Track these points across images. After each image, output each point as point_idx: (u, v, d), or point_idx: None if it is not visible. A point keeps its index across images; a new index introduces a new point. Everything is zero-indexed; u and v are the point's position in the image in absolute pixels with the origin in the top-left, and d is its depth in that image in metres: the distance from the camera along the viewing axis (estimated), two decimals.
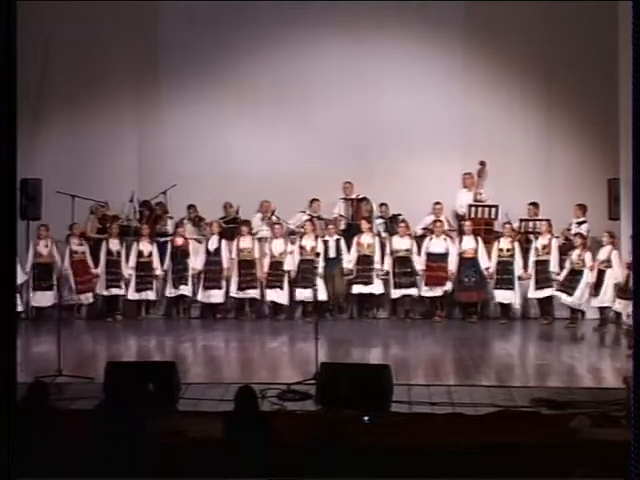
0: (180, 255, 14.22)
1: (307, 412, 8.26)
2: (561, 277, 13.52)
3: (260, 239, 14.35)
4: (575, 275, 13.31)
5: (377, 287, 14.21)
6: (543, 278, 13.76)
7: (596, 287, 13.02)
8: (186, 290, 14.31)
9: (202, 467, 5.94)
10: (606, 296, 12.92)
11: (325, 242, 14.08)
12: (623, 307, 12.35)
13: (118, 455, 5.83)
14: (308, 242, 14.09)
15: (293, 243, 14.23)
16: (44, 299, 13.90)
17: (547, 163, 14.86)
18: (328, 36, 15.07)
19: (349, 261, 14.10)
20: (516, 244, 13.96)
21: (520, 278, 13.93)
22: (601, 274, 12.99)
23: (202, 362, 11.52)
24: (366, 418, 7.79)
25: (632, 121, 3.66)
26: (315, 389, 8.75)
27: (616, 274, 12.80)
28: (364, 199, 14.66)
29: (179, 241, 14.28)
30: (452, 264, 13.97)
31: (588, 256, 13.27)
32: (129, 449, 5.90)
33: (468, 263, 13.96)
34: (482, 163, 14.52)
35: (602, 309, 13.16)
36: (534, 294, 13.93)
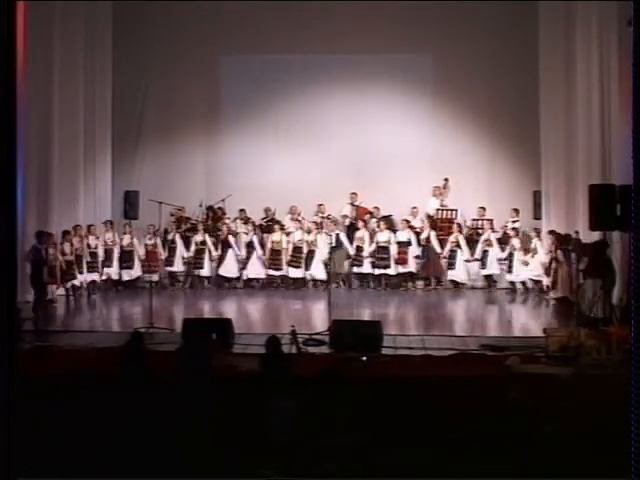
0: (226, 245, 14.02)
1: (322, 354, 8.29)
2: (504, 257, 13.52)
3: (288, 233, 14.26)
4: (511, 255, 13.40)
5: (366, 267, 14.06)
6: (487, 262, 13.71)
7: (527, 265, 13.15)
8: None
9: (248, 390, 5.96)
10: (535, 272, 13.04)
11: (330, 236, 13.84)
12: (546, 279, 12.43)
13: (190, 383, 5.88)
14: (317, 237, 13.96)
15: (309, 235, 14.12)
16: (128, 275, 13.94)
17: (491, 179, 14.71)
18: (338, 89, 14.91)
19: (351, 249, 13.99)
20: (460, 237, 13.75)
21: (468, 261, 13.79)
22: (532, 258, 13.11)
23: (250, 318, 11.54)
24: (364, 358, 7.82)
25: (632, 123, 2.98)
26: (328, 338, 8.80)
27: (541, 258, 12.86)
28: (370, 212, 14.50)
29: (226, 234, 14.09)
30: (415, 250, 13.84)
31: (517, 242, 13.40)
32: (198, 379, 5.95)
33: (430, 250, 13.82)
34: (446, 179, 14.40)
35: (534, 281, 13.25)
36: (481, 272, 13.87)
